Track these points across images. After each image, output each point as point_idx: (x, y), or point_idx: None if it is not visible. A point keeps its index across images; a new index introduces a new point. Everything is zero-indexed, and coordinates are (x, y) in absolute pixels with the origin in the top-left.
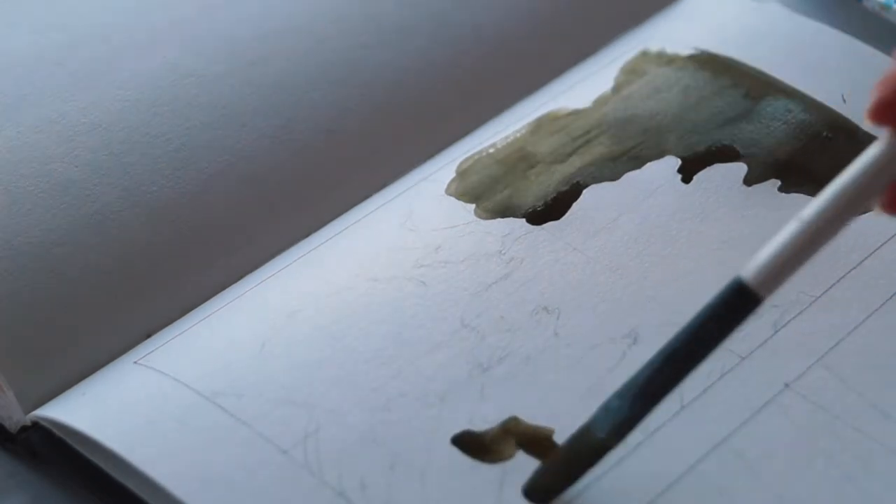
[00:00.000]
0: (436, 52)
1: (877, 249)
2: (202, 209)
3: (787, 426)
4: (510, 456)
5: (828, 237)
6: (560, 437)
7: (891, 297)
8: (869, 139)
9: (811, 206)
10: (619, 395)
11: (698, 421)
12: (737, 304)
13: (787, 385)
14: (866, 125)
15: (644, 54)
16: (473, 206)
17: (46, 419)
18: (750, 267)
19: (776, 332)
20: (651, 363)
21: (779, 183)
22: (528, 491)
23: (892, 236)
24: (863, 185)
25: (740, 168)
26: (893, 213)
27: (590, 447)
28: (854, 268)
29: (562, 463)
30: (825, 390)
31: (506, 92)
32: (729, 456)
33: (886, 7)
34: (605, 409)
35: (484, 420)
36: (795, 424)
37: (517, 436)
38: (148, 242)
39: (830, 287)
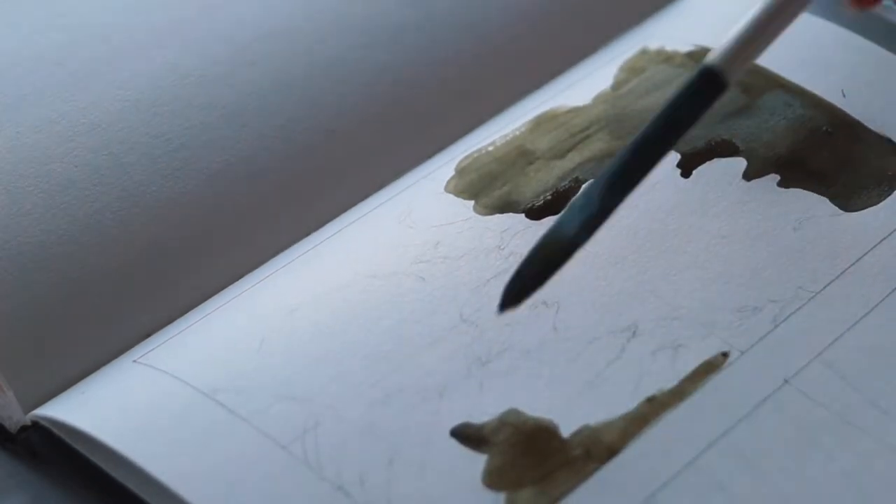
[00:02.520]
0: (436, 52)
1: (876, 245)
2: (202, 209)
3: (786, 422)
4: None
5: (785, 21)
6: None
7: (890, 293)
8: (870, 135)
9: None
10: (586, 192)
11: (697, 416)
12: (705, 89)
13: (786, 381)
14: None
15: (643, 52)
16: (472, 202)
17: (46, 419)
18: (716, 53)
19: (775, 327)
20: (621, 155)
21: (778, 178)
22: (504, 299)
23: (892, 232)
24: None
25: (740, 163)
26: (859, 5)
27: (560, 246)
28: (853, 263)
29: (533, 263)
30: (824, 386)
31: (505, 91)
32: (728, 452)
33: (887, 7)
34: (571, 207)
35: (483, 414)
36: (794, 421)
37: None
38: (148, 242)
39: (830, 283)
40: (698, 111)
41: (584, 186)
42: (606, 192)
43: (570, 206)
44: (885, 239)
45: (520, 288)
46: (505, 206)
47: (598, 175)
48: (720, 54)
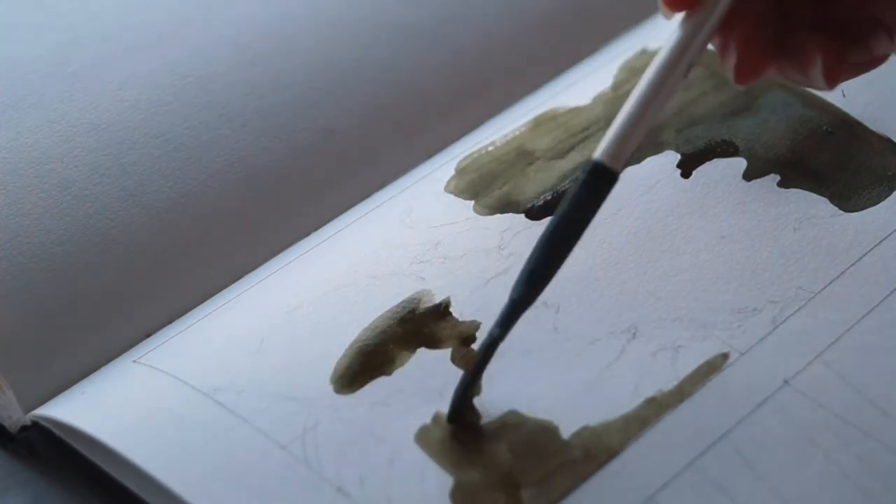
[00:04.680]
0: (436, 52)
1: (875, 246)
2: (202, 209)
3: (785, 423)
4: None
5: (656, 110)
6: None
7: (890, 294)
8: (869, 134)
9: (637, 87)
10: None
11: (697, 417)
12: (597, 184)
13: (786, 381)
14: (667, 15)
15: (643, 52)
16: (472, 202)
17: (46, 418)
18: (600, 148)
19: (775, 328)
20: (531, 256)
21: (778, 178)
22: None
23: (891, 233)
24: (673, 63)
25: (739, 163)
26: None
27: (485, 344)
28: (853, 264)
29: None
30: (824, 387)
31: (505, 91)
32: (727, 452)
33: None
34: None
35: (483, 414)
36: (794, 421)
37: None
38: (147, 242)
39: (829, 283)
40: (595, 204)
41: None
42: (522, 289)
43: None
44: (884, 239)
45: (461, 403)
46: (505, 206)
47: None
48: (604, 150)
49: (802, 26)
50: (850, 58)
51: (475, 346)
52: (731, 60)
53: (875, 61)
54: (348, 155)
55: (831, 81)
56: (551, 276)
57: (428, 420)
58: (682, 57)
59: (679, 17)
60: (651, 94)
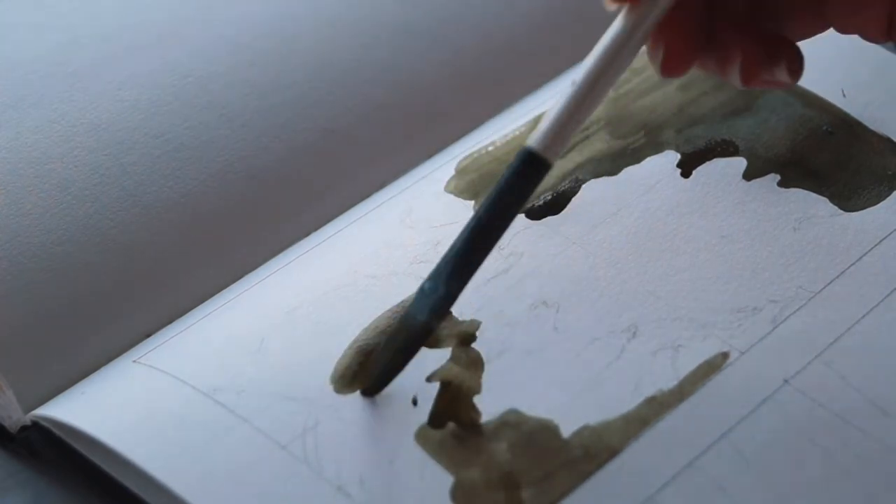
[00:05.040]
0: (436, 52)
1: (875, 245)
2: (202, 209)
3: (785, 423)
4: None
5: (595, 101)
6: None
7: (890, 294)
8: (869, 134)
9: (578, 73)
10: (432, 277)
11: (697, 416)
12: (529, 171)
13: (786, 381)
14: (610, 7)
15: (644, 52)
16: (472, 202)
17: (46, 418)
18: (534, 136)
19: (775, 328)
20: (458, 242)
21: (778, 177)
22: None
23: (892, 232)
24: (612, 56)
25: (740, 163)
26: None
27: (412, 332)
28: (853, 264)
29: (387, 352)
30: (824, 387)
31: (505, 91)
32: (727, 452)
33: None
34: (421, 292)
35: (484, 413)
36: (794, 421)
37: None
38: (147, 242)
39: (829, 283)
40: (526, 192)
41: (431, 271)
42: (450, 279)
43: (419, 292)
44: (884, 239)
45: (379, 375)
46: None
47: (439, 261)
48: (539, 138)
49: (729, 25)
50: (764, 73)
51: (475, 345)
52: (660, 53)
53: (780, 84)
54: (348, 155)
55: (746, 83)
56: (478, 266)
57: (427, 419)
58: (622, 50)
59: (621, 8)
60: (589, 86)
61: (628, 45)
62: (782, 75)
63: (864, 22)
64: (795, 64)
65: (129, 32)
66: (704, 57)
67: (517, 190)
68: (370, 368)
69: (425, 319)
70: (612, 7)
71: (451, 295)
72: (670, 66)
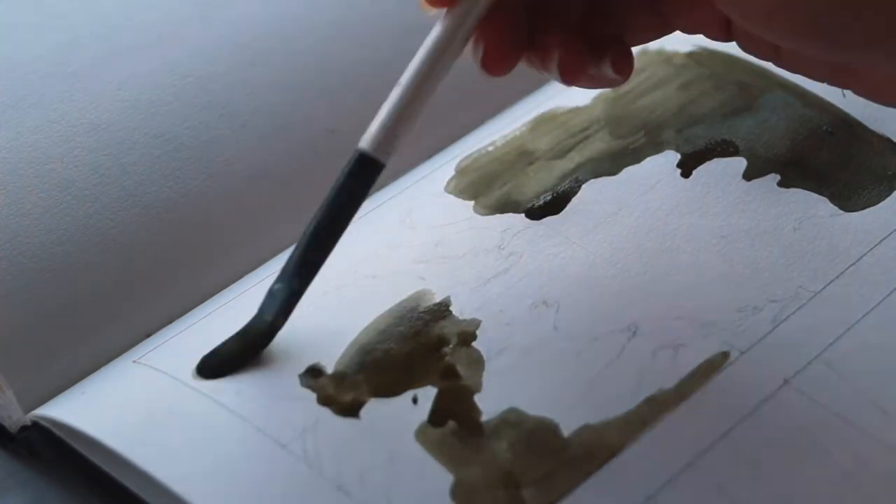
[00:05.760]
0: None
1: (876, 245)
2: (202, 209)
3: (786, 422)
4: None
5: (420, 101)
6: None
7: (890, 293)
8: (869, 134)
9: (403, 76)
10: (279, 279)
11: (697, 416)
12: (363, 172)
13: (786, 381)
14: (428, 11)
15: (643, 52)
16: (472, 202)
17: (46, 418)
18: (365, 138)
19: (775, 327)
20: (299, 244)
21: (778, 177)
22: (200, 367)
23: (892, 232)
24: (434, 59)
25: (739, 162)
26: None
27: (261, 330)
28: (853, 264)
29: (237, 345)
30: (824, 386)
31: (505, 91)
32: (728, 452)
33: None
34: (270, 293)
35: (484, 412)
36: (794, 421)
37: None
38: (147, 242)
39: (830, 283)
40: (361, 192)
41: (278, 273)
42: (294, 278)
43: (267, 294)
44: (885, 239)
45: (218, 365)
46: (505, 206)
47: (285, 263)
48: (369, 139)
49: (549, 25)
50: (589, 70)
51: (475, 344)
52: (480, 52)
53: (608, 81)
54: (348, 155)
55: (568, 81)
56: (321, 264)
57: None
58: (443, 51)
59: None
60: (415, 87)
61: (448, 48)
62: (608, 72)
63: (701, 22)
64: (622, 61)
65: (129, 32)
66: (529, 55)
67: (352, 191)
68: (218, 354)
69: (271, 319)
70: (430, 12)
71: (296, 293)
72: (490, 65)
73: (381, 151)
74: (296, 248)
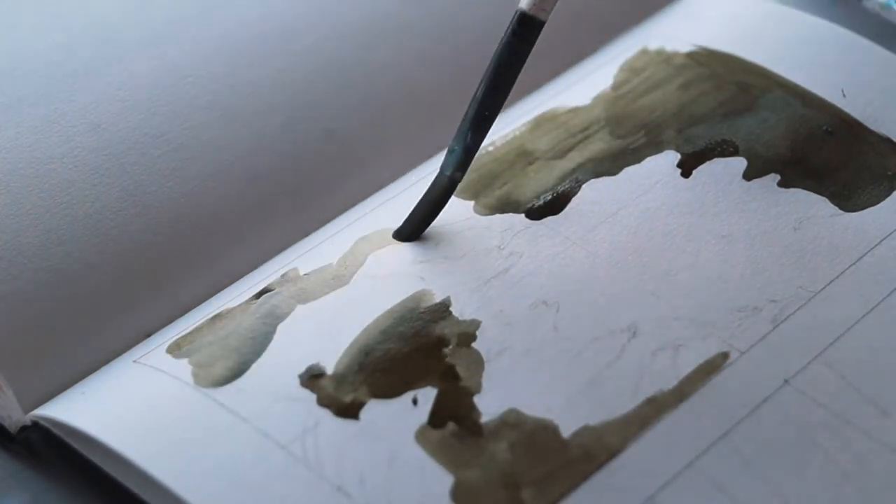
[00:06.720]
0: (436, 52)
1: (876, 245)
2: (202, 209)
3: (785, 423)
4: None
5: None
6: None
7: (890, 293)
8: (870, 135)
9: None
10: (456, 138)
11: (697, 417)
12: (525, 31)
13: (786, 381)
14: None
15: (643, 52)
16: (472, 202)
17: (46, 418)
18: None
19: (775, 327)
20: (471, 104)
21: (778, 177)
22: (397, 234)
23: (892, 232)
24: None
25: (740, 163)
26: None
27: (442, 184)
28: (853, 263)
29: (424, 206)
30: (824, 387)
31: None
32: (728, 452)
33: (886, 7)
34: (449, 151)
35: (484, 413)
36: (794, 421)
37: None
38: (147, 242)
39: (830, 283)
40: (526, 49)
41: (455, 135)
42: (469, 134)
43: (447, 152)
44: (885, 239)
45: (412, 227)
46: (505, 206)
47: (461, 122)
48: (527, 1)
49: None
50: None
51: (475, 345)
52: None
53: None
54: (348, 155)
55: None
56: (493, 119)
57: (427, 419)
58: None
59: None
60: None
61: None
62: None
63: None
64: None
65: (129, 32)
66: None
67: (515, 49)
68: (409, 219)
69: (450, 173)
70: None
71: (471, 148)
72: None
73: (538, 9)
74: (469, 108)
